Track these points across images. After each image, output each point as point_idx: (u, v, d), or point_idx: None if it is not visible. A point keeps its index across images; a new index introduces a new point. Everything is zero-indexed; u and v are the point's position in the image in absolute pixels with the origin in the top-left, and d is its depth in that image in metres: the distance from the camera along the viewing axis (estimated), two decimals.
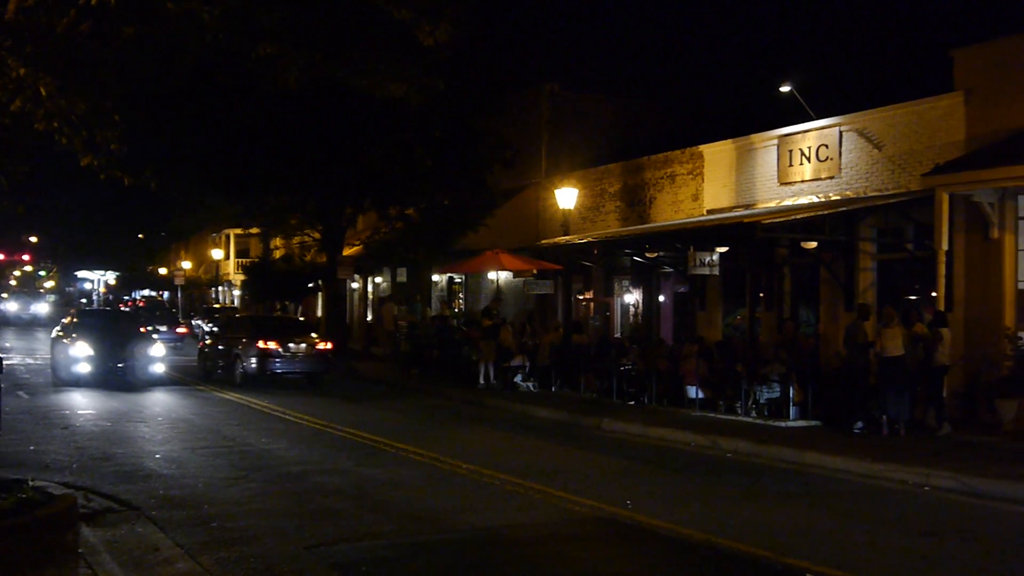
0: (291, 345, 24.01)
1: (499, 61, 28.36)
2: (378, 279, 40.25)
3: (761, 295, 22.66)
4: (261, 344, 23.74)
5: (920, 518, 10.50)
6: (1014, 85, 17.45)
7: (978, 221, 17.38)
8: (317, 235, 32.13)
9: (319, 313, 45.26)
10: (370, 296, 41.33)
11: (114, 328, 25.30)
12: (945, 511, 10.88)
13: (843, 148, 20.68)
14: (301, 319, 35.71)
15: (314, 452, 14.27)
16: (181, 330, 42.37)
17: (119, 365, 23.32)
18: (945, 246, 16.79)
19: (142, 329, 25.89)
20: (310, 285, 40.48)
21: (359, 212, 32.06)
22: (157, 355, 23.84)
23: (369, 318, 40.98)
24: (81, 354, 23.06)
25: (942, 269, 16.90)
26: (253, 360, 23.69)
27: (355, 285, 41.33)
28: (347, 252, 32.45)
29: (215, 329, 32.18)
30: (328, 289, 33.91)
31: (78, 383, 22.91)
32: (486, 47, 27.20)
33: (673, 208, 25.54)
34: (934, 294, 17.29)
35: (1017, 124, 17.19)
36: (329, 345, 25.35)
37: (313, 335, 25.77)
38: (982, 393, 16.68)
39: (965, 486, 11.88)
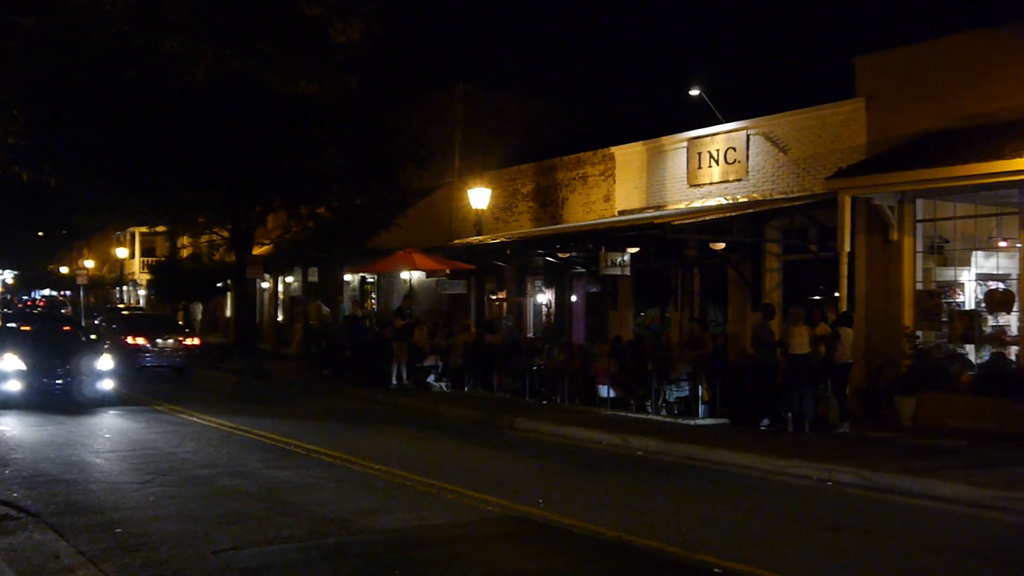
0: (159, 341, 26.53)
1: (413, 60, 28.18)
2: (289, 279, 39.71)
3: (672, 295, 23.01)
4: (130, 340, 26.00)
5: (824, 512, 10.77)
6: (912, 92, 18.03)
7: (878, 223, 17.91)
8: (226, 234, 31.53)
9: (228, 313, 44.51)
10: (280, 296, 40.76)
11: (50, 336, 21.86)
12: (848, 505, 11.18)
13: (750, 151, 21.11)
14: (178, 318, 35.73)
15: (222, 455, 14.00)
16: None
17: (57, 382, 19.41)
18: (848, 247, 17.26)
19: (88, 337, 22.64)
20: (219, 285, 39.73)
21: (269, 211, 31.57)
22: (105, 368, 19.53)
23: (280, 318, 40.41)
24: (9, 368, 18.98)
25: (844, 270, 17.37)
26: (122, 354, 24.14)
27: (265, 285, 40.71)
28: (257, 251, 31.90)
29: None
30: (237, 289, 33.31)
31: (6, 404, 18.73)
32: (400, 46, 27.02)
33: (585, 209, 25.75)
34: (837, 294, 17.76)
35: (915, 130, 17.78)
36: (196, 341, 27.51)
37: (187, 331, 28.06)
38: (883, 390, 17.20)
39: (867, 481, 12.23)
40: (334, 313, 32.66)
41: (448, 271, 26.63)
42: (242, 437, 15.83)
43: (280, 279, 40.26)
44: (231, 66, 22.37)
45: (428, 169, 28.92)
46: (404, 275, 28.25)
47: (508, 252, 25.18)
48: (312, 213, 29.92)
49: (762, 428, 16.45)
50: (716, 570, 8.32)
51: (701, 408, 17.90)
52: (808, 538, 9.53)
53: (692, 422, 17.36)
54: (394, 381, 23.61)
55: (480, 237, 24.67)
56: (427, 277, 29.33)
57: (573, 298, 26.91)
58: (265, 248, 33.79)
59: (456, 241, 27.32)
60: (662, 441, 15.25)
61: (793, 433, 15.95)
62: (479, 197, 24.35)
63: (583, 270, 25.30)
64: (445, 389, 23.23)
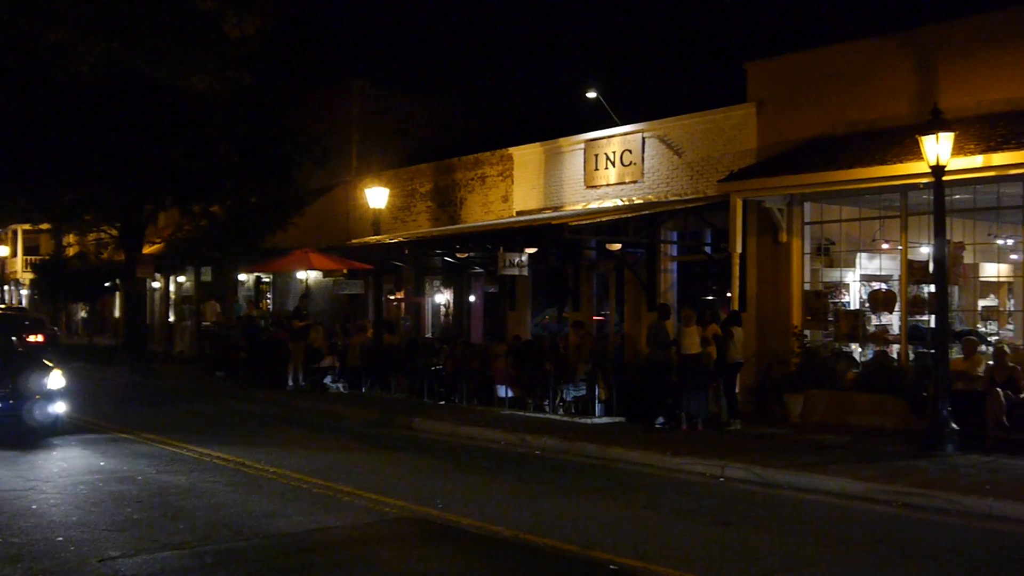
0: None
1: (309, 57, 27.85)
2: (181, 278, 38.78)
3: (569, 295, 23.22)
4: None
5: (716, 508, 11.00)
6: (800, 98, 18.58)
7: (769, 225, 18.39)
8: (114, 232, 30.60)
9: (117, 313, 43.24)
10: (172, 296, 39.78)
11: None
12: (739, 500, 11.45)
13: (646, 154, 21.45)
14: (28, 315, 34.55)
15: (111, 459, 13.59)
16: None
17: None
18: (739, 249, 17.68)
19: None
20: (107, 284, 38.54)
21: (160, 209, 30.76)
22: (55, 387, 15.67)
23: (172, 318, 39.43)
24: None
25: (736, 271, 17.78)
26: None
27: (156, 284, 39.67)
28: (147, 250, 31.04)
29: None
30: (126, 289, 32.38)
31: None
32: (296, 42, 26.65)
33: (483, 209, 25.80)
34: (730, 294, 18.16)
35: (803, 134, 18.32)
36: (40, 338, 25.59)
37: (36, 329, 26.34)
38: (772, 388, 17.67)
39: (757, 476, 12.55)
40: (228, 313, 32.02)
41: (345, 271, 26.37)
42: (131, 441, 15.39)
43: (172, 279, 39.29)
44: (120, 60, 21.73)
45: (325, 168, 28.60)
46: (300, 275, 27.87)
47: (406, 252, 25.06)
48: (205, 211, 29.27)
49: (657, 426, 16.72)
50: (612, 567, 8.42)
51: (598, 407, 18.11)
52: (700, 533, 9.73)
53: (589, 421, 17.55)
54: (290, 383, 23.28)
55: (378, 237, 24.51)
56: (324, 277, 29.02)
57: (471, 298, 26.93)
58: (156, 247, 32.93)
59: (354, 241, 27.07)
60: (560, 440, 15.38)
61: (687, 431, 16.25)
62: (377, 196, 24.19)
63: (481, 270, 25.34)
64: (342, 390, 23.00)
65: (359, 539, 9.38)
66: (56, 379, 15.66)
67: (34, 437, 15.18)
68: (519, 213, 24.49)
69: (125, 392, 23.17)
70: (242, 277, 33.75)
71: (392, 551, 9.01)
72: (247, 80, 23.41)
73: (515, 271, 19.98)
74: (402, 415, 18.49)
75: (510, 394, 19.62)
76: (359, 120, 31.06)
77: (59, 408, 15.62)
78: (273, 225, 28.03)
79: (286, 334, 24.10)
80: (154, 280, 38.25)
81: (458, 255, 23.94)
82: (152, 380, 26.42)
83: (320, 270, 26.43)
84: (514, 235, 20.49)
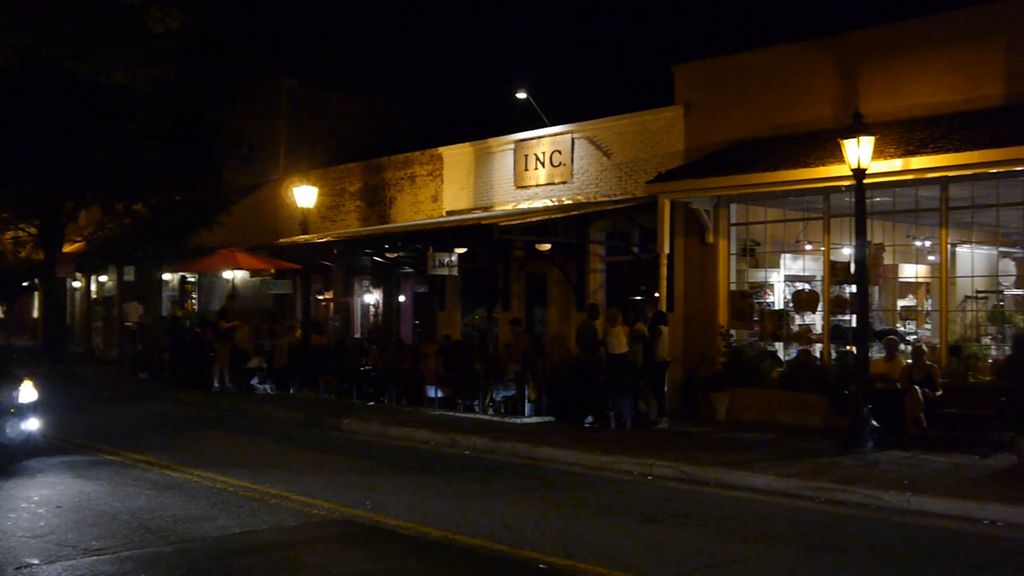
0: None
1: (236, 53, 27.41)
2: (103, 278, 37.93)
3: (499, 295, 23.24)
4: None
5: (643, 506, 11.11)
6: (727, 101, 18.86)
7: (696, 226, 18.64)
8: (33, 230, 29.81)
9: (36, 314, 42.12)
10: (94, 295, 38.89)
11: None
12: (666, 498, 11.57)
13: (575, 155, 21.57)
14: None
15: (28, 464, 13.22)
16: None
17: None
18: (667, 249, 17.88)
19: None
20: (25, 284, 37.51)
21: (81, 206, 30.03)
22: (27, 401, 13.52)
23: (94, 319, 38.54)
24: None
25: (664, 271, 17.98)
26: None
27: (77, 284, 38.74)
28: (68, 249, 30.27)
29: None
30: (46, 288, 31.56)
31: None
32: (222, 38, 26.23)
33: (413, 209, 25.71)
34: (658, 294, 18.36)
35: (730, 137, 18.60)
36: None
37: None
38: (699, 387, 17.90)
39: (684, 474, 12.71)
40: (152, 314, 31.40)
41: (273, 270, 26.07)
42: (50, 444, 15.01)
43: (93, 278, 38.41)
44: (38, 53, 21.17)
45: (252, 166, 28.23)
46: (227, 274, 27.48)
47: (335, 251, 24.86)
48: (128, 209, 28.68)
49: (586, 425, 16.83)
50: (541, 566, 8.46)
51: (527, 407, 18.17)
52: (628, 531, 9.81)
53: (519, 420, 17.59)
54: (216, 384, 22.93)
55: (306, 236, 24.26)
56: (251, 276, 28.64)
57: (401, 298, 26.82)
58: (77, 245, 32.15)
59: (281, 240, 26.75)
60: (489, 440, 15.39)
61: (615, 430, 16.38)
62: (305, 195, 23.95)
63: (411, 270, 25.25)
64: (270, 391, 22.73)
65: (286, 542, 9.28)
66: (28, 391, 13.54)
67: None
68: (449, 213, 24.45)
69: (44, 394, 22.54)
70: (166, 277, 33.15)
71: (320, 553, 8.93)
72: (172, 76, 22.97)
73: (445, 271, 19.95)
74: (331, 416, 18.33)
75: (440, 394, 19.58)
76: (287, 118, 30.72)
77: (32, 425, 13.40)
78: (198, 224, 27.58)
79: (212, 334, 23.73)
80: (75, 280, 37.38)
81: (388, 255, 23.81)
82: (74, 381, 25.78)
83: (247, 269, 26.07)
84: (444, 235, 20.45)
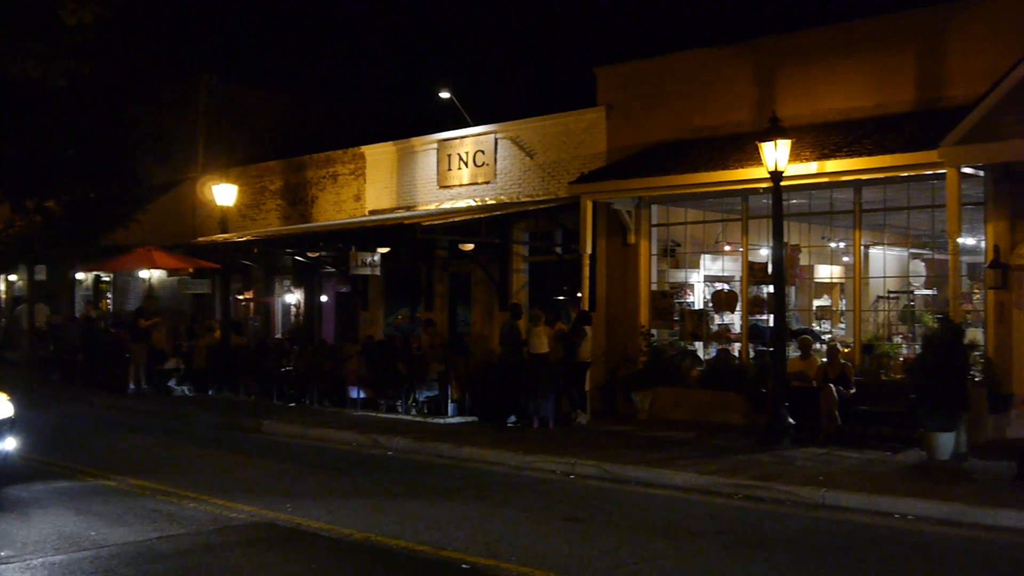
0: None
1: (153, 48, 26.86)
2: (12, 277, 36.80)
3: (422, 295, 23.17)
4: None
5: (566, 505, 11.17)
6: (648, 103, 19.07)
7: (618, 227, 18.81)
8: None
9: None
10: (2, 295, 37.71)
11: None
12: (588, 497, 11.66)
13: (498, 155, 21.61)
14: None
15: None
16: None
17: None
18: (589, 250, 18.01)
19: None
20: None
21: None
22: (3, 417, 11.76)
23: (2, 320, 37.38)
24: None
25: (587, 271, 18.11)
26: None
27: None
28: None
29: None
30: None
31: None
32: (139, 32, 25.65)
33: (335, 208, 25.49)
34: (580, 294, 18.49)
35: (651, 139, 18.81)
36: None
37: None
38: (621, 386, 18.07)
39: (606, 473, 12.81)
40: (65, 314, 30.53)
41: (191, 270, 25.58)
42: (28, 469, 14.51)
43: (2, 278, 37.26)
44: None
45: (170, 163, 27.64)
46: (143, 274, 26.90)
47: (255, 251, 24.51)
48: (40, 207, 27.85)
49: (509, 425, 16.86)
50: (464, 566, 8.45)
51: (451, 407, 18.15)
52: (551, 530, 9.85)
53: (442, 421, 17.56)
54: (132, 385, 22.43)
55: (226, 235, 23.87)
56: (168, 276, 28.08)
57: (323, 298, 26.57)
58: None
59: (200, 239, 26.28)
60: (412, 440, 15.33)
61: (538, 429, 16.44)
62: (224, 193, 23.55)
63: (333, 270, 25.02)
64: (188, 393, 22.33)
65: (203, 546, 9.11)
66: (3, 406, 11.73)
67: None
68: (372, 212, 24.29)
69: None
70: (80, 276, 32.30)
71: (239, 558, 8.79)
72: (86, 70, 22.38)
73: (367, 271, 19.82)
74: (251, 418, 18.08)
75: (362, 395, 19.45)
76: (206, 115, 30.18)
77: (9, 444, 11.56)
78: (114, 222, 26.90)
79: (127, 335, 23.20)
80: None
81: (309, 254, 23.57)
82: None
83: (164, 269, 25.55)
84: (366, 234, 20.32)
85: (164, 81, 28.79)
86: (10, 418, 11.80)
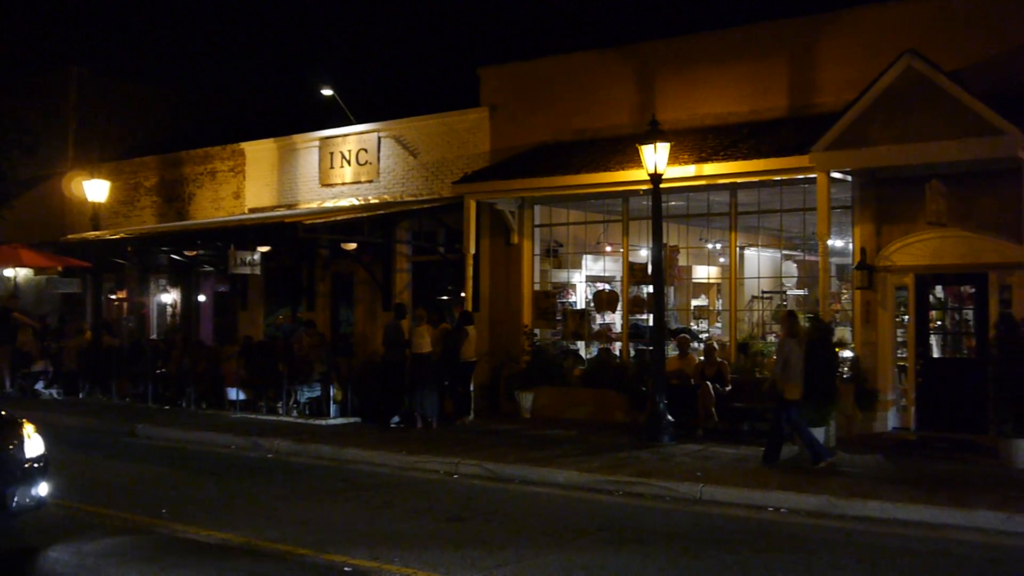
0: None
1: (19, 38, 25.79)
2: None
3: (304, 295, 22.85)
4: None
5: (449, 505, 11.17)
6: (531, 104, 19.22)
7: (501, 227, 18.91)
8: None
9: None
10: None
11: None
12: (471, 497, 11.68)
13: (382, 153, 21.46)
14: None
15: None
16: None
17: None
18: (473, 250, 18.05)
19: None
20: None
21: None
22: (35, 454, 9.65)
23: None
24: None
25: (470, 271, 18.15)
26: None
27: None
28: None
29: None
30: None
31: None
32: (4, 22, 24.61)
33: (214, 205, 24.91)
34: (464, 294, 18.51)
35: (534, 140, 18.97)
36: None
37: None
38: (504, 385, 18.17)
39: (489, 472, 12.86)
40: None
41: (60, 268, 24.66)
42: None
43: None
44: None
45: (37, 157, 26.57)
46: (8, 272, 25.79)
47: (129, 249, 23.75)
48: None
49: (392, 426, 16.77)
50: (346, 568, 8.37)
51: (332, 408, 17.94)
52: (434, 531, 9.84)
53: (324, 422, 17.34)
54: None
55: (97, 232, 23.07)
56: (35, 275, 27.00)
57: (201, 298, 25.95)
58: None
59: (70, 236, 25.31)
60: (293, 442, 15.10)
61: (421, 430, 16.40)
62: (96, 189, 22.76)
63: (211, 269, 24.46)
64: (56, 396, 21.51)
65: (75, 554, 8.79)
66: (34, 442, 9.68)
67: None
68: (252, 210, 23.83)
69: None
70: None
71: (115, 566, 8.51)
72: None
73: (247, 270, 19.48)
74: (124, 421, 17.54)
75: (242, 397, 19.05)
76: (76, 107, 29.09)
77: (43, 489, 9.57)
78: None
79: None
80: None
81: (186, 253, 22.98)
82: None
83: (31, 267, 24.56)
84: (246, 233, 19.94)
85: (32, 71, 27.66)
86: (43, 455, 9.69)
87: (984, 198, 14.20)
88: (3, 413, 10.10)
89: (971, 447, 13.53)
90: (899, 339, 15.33)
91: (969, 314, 14.97)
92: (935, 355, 15.15)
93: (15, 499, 9.22)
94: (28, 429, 9.80)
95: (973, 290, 14.78)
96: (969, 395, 14.13)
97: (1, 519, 9.37)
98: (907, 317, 15.18)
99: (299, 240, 20.15)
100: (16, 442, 9.55)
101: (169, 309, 26.97)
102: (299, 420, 17.64)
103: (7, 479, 9.22)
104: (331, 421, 17.47)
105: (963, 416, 14.22)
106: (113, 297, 27.77)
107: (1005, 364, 12.53)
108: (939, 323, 15.51)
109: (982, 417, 13.52)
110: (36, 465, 9.53)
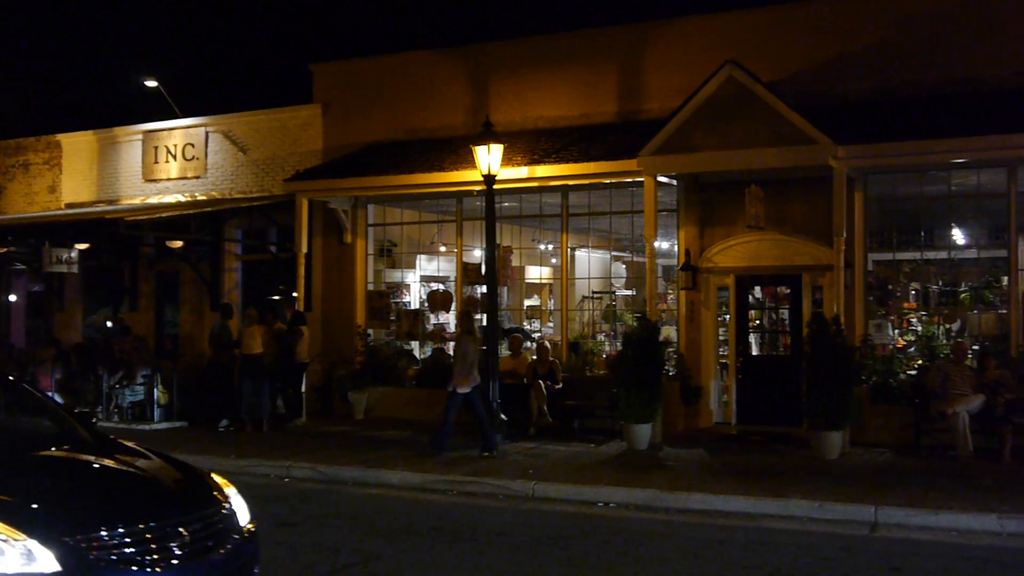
0: None
1: None
2: None
3: (125, 294, 21.94)
4: None
5: (280, 509, 10.94)
6: (365, 102, 19.07)
7: (334, 226, 18.67)
8: None
9: None
10: None
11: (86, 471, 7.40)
12: (305, 500, 11.49)
13: (209, 149, 20.84)
14: None
15: None
16: None
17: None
18: (305, 249, 17.75)
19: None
20: None
21: None
22: (245, 523, 7.04)
23: None
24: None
25: (302, 271, 17.84)
26: None
27: None
28: None
29: None
30: None
31: None
32: None
33: (27, 200, 23.61)
34: (296, 294, 18.18)
35: (368, 138, 18.83)
36: None
37: None
38: (337, 386, 17.94)
39: (321, 474, 12.69)
40: None
41: None
42: None
43: None
44: None
45: None
46: None
47: None
48: None
49: (221, 429, 16.32)
50: None
51: (156, 412, 17.29)
52: (267, 536, 9.56)
53: (148, 427, 16.71)
54: None
55: None
56: None
57: (12, 298, 24.53)
58: None
59: None
60: None
61: (252, 432, 16.02)
62: None
63: (24, 267, 23.16)
64: None
65: None
66: (241, 507, 7.21)
67: None
68: (69, 205, 22.70)
69: None
70: None
71: None
72: None
73: (63, 268, 18.59)
74: None
75: (59, 402, 18.09)
76: None
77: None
78: None
79: None
80: None
81: None
82: None
83: None
84: (63, 228, 19.01)
85: None
86: (252, 532, 7.14)
87: (798, 203, 15.00)
88: (198, 472, 7.61)
89: (787, 439, 14.26)
90: (721, 337, 16.01)
91: (785, 313, 15.77)
92: (754, 352, 15.90)
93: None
94: (231, 492, 7.33)
95: (788, 291, 15.58)
96: (785, 390, 14.87)
97: None
98: (728, 316, 15.86)
99: (121, 237, 19.37)
100: (222, 507, 6.91)
101: None
102: (121, 425, 16.90)
103: (252, 558, 6.93)
104: (155, 426, 16.85)
105: (780, 410, 14.96)
106: None
107: (816, 361, 13.23)
108: (758, 322, 16.29)
109: (797, 411, 14.24)
110: (247, 534, 6.97)
